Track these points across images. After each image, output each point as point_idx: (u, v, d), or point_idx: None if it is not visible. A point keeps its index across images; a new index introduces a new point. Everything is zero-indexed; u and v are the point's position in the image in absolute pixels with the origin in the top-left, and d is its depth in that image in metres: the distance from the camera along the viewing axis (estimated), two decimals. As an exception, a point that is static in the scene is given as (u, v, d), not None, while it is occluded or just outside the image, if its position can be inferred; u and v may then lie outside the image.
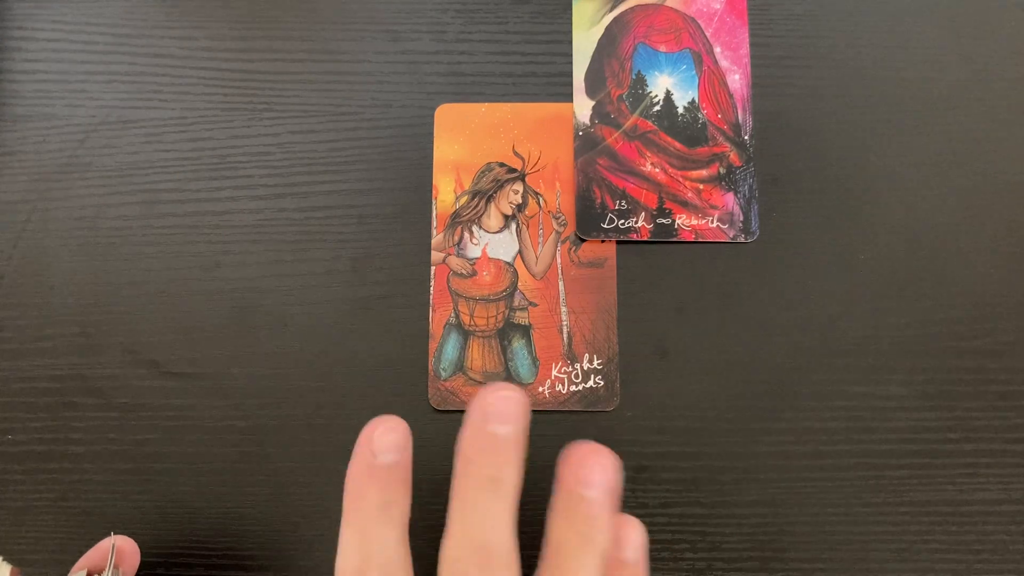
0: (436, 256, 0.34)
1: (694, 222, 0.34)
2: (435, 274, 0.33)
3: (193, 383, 0.33)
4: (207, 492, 0.32)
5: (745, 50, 0.35)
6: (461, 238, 0.34)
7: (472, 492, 0.21)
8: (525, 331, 0.33)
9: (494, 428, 0.21)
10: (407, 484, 0.21)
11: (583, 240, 0.34)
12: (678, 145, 0.34)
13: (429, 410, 0.33)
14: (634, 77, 0.35)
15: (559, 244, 0.34)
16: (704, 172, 0.34)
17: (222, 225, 0.34)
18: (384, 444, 0.21)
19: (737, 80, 0.35)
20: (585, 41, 0.36)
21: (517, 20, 0.36)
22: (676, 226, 0.34)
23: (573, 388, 0.32)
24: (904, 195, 0.34)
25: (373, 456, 0.21)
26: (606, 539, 0.20)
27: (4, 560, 0.26)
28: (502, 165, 0.34)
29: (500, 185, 0.34)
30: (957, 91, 0.35)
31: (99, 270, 0.34)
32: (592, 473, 0.20)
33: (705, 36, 0.35)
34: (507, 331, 0.33)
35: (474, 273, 0.33)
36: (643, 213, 0.34)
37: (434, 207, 0.34)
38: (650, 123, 0.35)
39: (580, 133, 0.35)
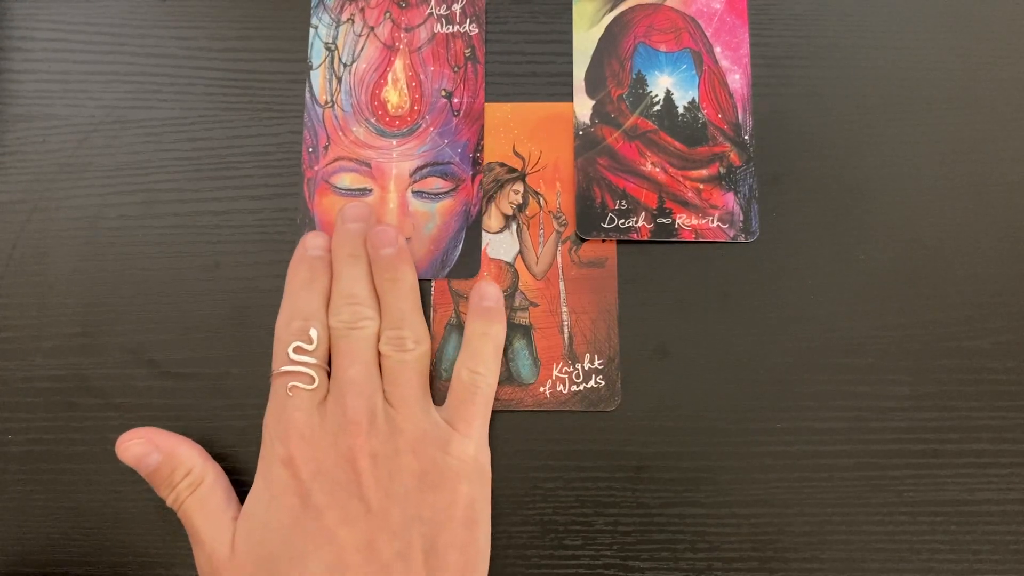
0: (436, 256, 0.34)
1: (694, 222, 0.34)
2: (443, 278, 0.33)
3: (193, 383, 0.33)
4: (207, 492, 0.32)
5: (745, 50, 0.35)
6: (461, 238, 0.34)
7: (341, 264, 0.31)
8: (526, 331, 0.33)
9: (350, 226, 0.31)
10: (328, 269, 0.31)
11: (583, 240, 0.34)
12: (678, 145, 0.34)
13: (429, 410, 0.33)
14: (634, 77, 0.35)
15: (559, 244, 0.34)
16: (704, 172, 0.34)
17: (222, 225, 0.34)
18: (314, 242, 0.31)
19: (737, 80, 0.35)
20: (585, 41, 0.36)
21: (517, 20, 0.36)
22: (676, 226, 0.34)
23: (574, 388, 0.33)
24: (904, 195, 0.34)
25: (305, 250, 0.31)
26: (499, 331, 0.32)
27: None
28: (502, 165, 0.34)
29: (500, 185, 0.34)
30: (957, 91, 0.35)
31: (99, 270, 0.34)
32: (490, 290, 0.32)
33: (705, 36, 0.35)
34: (508, 331, 0.33)
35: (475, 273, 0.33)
36: (643, 213, 0.34)
37: (434, 207, 0.34)
38: (650, 123, 0.35)
39: (580, 133, 0.35)
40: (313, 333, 0.30)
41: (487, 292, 0.32)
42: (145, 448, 0.29)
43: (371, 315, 0.30)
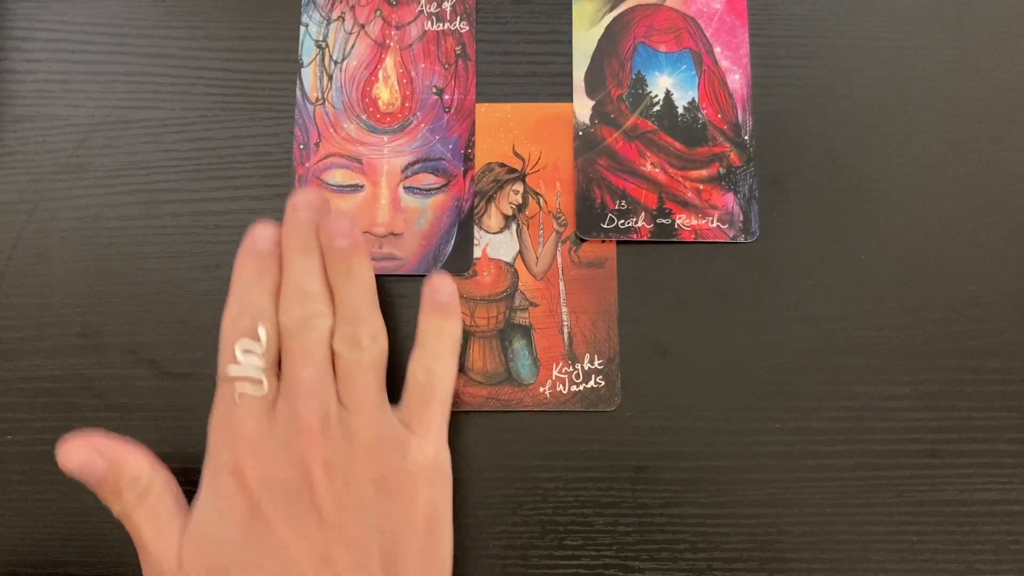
0: (436, 256, 0.34)
1: (694, 222, 0.34)
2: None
3: (193, 383, 0.33)
4: (207, 492, 0.32)
5: (745, 50, 0.35)
6: (461, 238, 0.34)
7: (292, 257, 0.29)
8: (526, 331, 0.33)
9: (301, 214, 0.29)
10: (278, 262, 0.29)
11: (583, 240, 0.34)
12: (678, 145, 0.34)
13: (429, 410, 0.33)
14: (634, 77, 0.35)
15: (559, 244, 0.34)
16: (704, 172, 0.34)
17: (222, 225, 0.34)
18: (263, 234, 0.29)
19: (737, 80, 0.35)
20: (585, 41, 0.36)
21: (517, 20, 0.36)
22: (676, 226, 0.34)
23: (574, 388, 0.33)
24: (904, 195, 0.34)
25: (255, 243, 0.29)
26: (454, 325, 0.30)
27: None
28: (502, 165, 0.34)
29: (500, 185, 0.34)
30: (957, 91, 0.35)
31: (99, 270, 0.34)
32: (443, 284, 0.30)
33: (705, 36, 0.35)
34: (508, 332, 0.33)
35: (474, 274, 0.33)
36: (643, 213, 0.34)
37: (434, 207, 0.34)
38: (650, 123, 0.35)
39: (580, 133, 0.35)
40: (262, 332, 0.28)
41: (440, 286, 0.30)
42: (88, 455, 0.27)
43: (324, 312, 0.28)
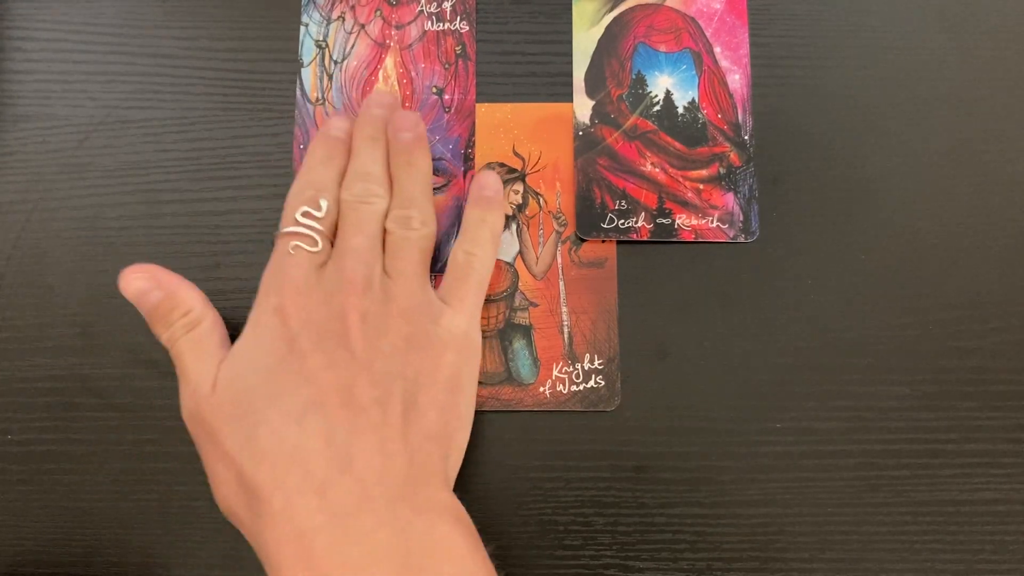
0: (436, 256, 0.34)
1: (694, 222, 0.34)
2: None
3: (193, 383, 0.33)
4: (207, 492, 0.32)
5: (745, 50, 0.35)
6: (461, 238, 0.34)
7: (360, 144, 0.32)
8: (526, 331, 0.33)
9: (374, 111, 0.32)
10: (347, 150, 0.32)
11: (583, 240, 0.34)
12: (678, 145, 0.34)
13: (429, 410, 0.33)
14: (634, 77, 0.35)
15: (559, 244, 0.34)
16: (704, 172, 0.34)
17: (222, 225, 0.34)
18: (336, 123, 0.32)
19: (737, 80, 0.35)
20: (585, 41, 0.36)
21: (517, 20, 0.36)
22: (676, 226, 0.34)
23: (574, 388, 0.33)
24: (904, 195, 0.34)
25: (328, 130, 0.32)
26: (496, 218, 0.32)
27: None
28: (502, 165, 0.34)
29: (500, 185, 0.34)
30: (957, 91, 0.35)
31: (99, 270, 0.34)
32: (489, 179, 0.32)
33: (705, 36, 0.36)
34: (508, 331, 0.33)
35: (474, 273, 0.33)
36: (643, 213, 0.34)
37: (434, 207, 0.34)
38: (650, 123, 0.35)
39: (580, 133, 0.35)
40: (323, 203, 0.30)
41: (487, 182, 0.32)
42: (147, 284, 0.29)
43: (382, 193, 0.31)
